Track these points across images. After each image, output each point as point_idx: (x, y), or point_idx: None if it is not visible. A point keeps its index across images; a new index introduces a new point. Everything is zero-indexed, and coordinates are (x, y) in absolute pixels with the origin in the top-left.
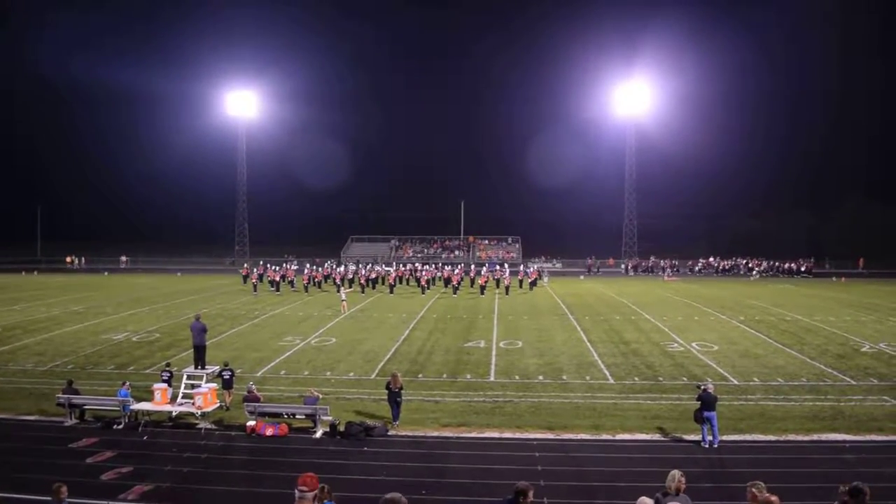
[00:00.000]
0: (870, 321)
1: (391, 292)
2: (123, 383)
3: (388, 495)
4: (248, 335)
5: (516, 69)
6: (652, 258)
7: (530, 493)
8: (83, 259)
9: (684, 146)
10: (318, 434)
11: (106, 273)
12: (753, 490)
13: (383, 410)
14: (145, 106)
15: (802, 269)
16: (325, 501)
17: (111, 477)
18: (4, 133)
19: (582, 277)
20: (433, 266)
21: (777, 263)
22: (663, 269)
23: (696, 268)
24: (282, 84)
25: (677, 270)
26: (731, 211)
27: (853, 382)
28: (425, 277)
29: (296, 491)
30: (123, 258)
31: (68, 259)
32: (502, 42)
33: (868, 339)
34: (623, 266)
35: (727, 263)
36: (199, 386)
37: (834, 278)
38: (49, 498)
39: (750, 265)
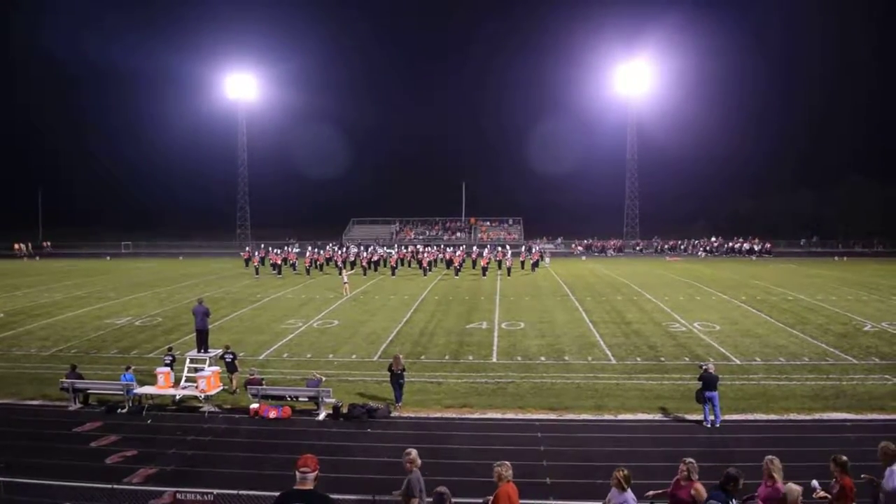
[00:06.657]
0: (872, 300)
1: (393, 274)
2: (127, 367)
3: (439, 488)
4: (251, 318)
5: (517, 51)
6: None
7: (741, 481)
8: (30, 245)
9: (685, 127)
10: (321, 416)
11: (108, 258)
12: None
13: (386, 392)
14: (145, 90)
15: (757, 248)
16: None
17: (116, 460)
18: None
19: (583, 258)
20: (435, 248)
21: (727, 244)
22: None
23: (638, 247)
24: (281, 67)
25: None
26: (730, 190)
27: (855, 361)
28: (427, 259)
29: (297, 472)
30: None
31: (16, 246)
32: (504, 25)
33: (870, 319)
34: (577, 247)
35: (672, 244)
36: (202, 369)
37: (836, 258)
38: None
39: (695, 244)
